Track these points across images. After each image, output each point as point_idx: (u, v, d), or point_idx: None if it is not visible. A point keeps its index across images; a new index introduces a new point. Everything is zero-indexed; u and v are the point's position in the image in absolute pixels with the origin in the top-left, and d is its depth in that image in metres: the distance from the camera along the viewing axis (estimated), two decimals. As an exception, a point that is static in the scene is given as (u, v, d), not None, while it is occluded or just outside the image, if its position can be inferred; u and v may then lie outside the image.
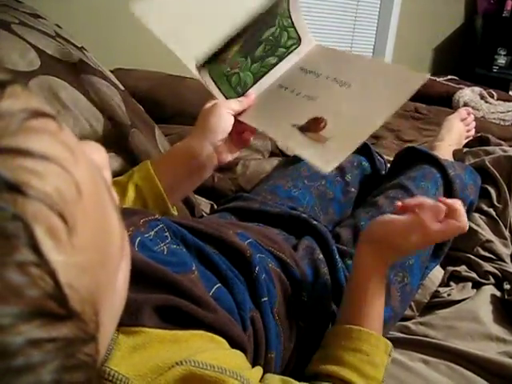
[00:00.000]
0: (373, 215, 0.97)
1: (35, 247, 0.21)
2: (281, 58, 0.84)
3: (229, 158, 0.83)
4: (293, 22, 0.82)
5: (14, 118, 0.22)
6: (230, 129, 0.79)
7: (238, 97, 0.83)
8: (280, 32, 0.81)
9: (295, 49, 0.84)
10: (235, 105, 0.80)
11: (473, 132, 1.54)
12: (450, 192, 1.06)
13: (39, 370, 0.21)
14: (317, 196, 1.08)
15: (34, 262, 0.21)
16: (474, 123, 1.54)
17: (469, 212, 1.14)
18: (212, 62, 0.80)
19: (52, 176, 0.22)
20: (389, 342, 0.66)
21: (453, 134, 1.45)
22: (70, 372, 0.22)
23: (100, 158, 0.31)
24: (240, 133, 0.82)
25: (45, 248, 0.21)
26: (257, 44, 0.81)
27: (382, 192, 1.06)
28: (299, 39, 0.84)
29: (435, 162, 1.11)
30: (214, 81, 0.82)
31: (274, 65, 0.84)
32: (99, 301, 0.26)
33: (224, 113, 0.79)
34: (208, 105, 0.82)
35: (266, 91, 0.83)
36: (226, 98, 0.83)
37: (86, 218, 0.24)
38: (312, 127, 0.73)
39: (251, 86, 0.84)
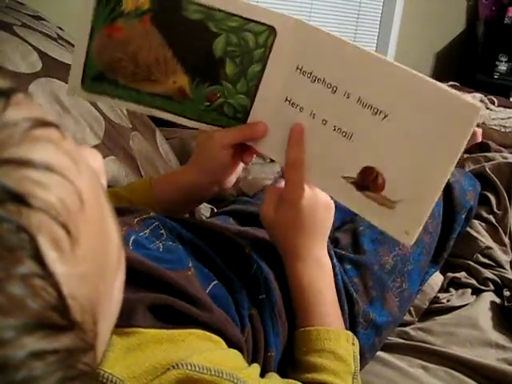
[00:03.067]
0: None
1: (39, 259, 0.21)
2: (264, 61, 0.65)
3: (232, 182, 0.77)
4: (244, 17, 0.61)
5: (17, 127, 0.22)
6: (227, 164, 0.71)
7: (243, 122, 0.69)
8: (238, 35, 0.63)
9: (273, 41, 0.63)
10: (236, 135, 0.68)
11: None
12: (449, 198, 1.06)
13: (41, 382, 0.21)
14: None
15: (38, 273, 0.21)
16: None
17: (468, 218, 1.14)
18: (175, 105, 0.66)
19: (55, 186, 0.22)
20: (349, 332, 0.66)
21: None
22: (70, 383, 0.22)
23: (97, 164, 0.31)
24: (245, 154, 0.73)
25: (49, 259, 0.21)
26: (215, 65, 0.64)
27: None
28: (272, 28, 0.63)
29: None
30: (201, 122, 0.69)
31: (261, 71, 0.65)
32: (98, 310, 0.26)
33: (217, 152, 0.69)
34: (202, 136, 0.73)
35: (274, 110, 0.67)
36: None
37: (87, 227, 0.24)
38: (369, 184, 0.60)
39: (251, 106, 0.68)
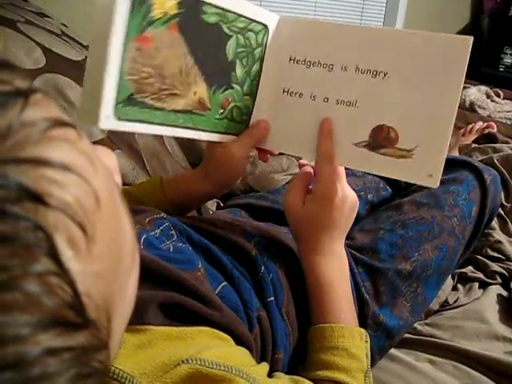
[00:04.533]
0: (395, 221, 0.92)
1: (56, 257, 0.21)
2: (262, 59, 0.67)
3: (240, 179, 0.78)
4: (249, 18, 0.63)
5: (35, 127, 0.22)
6: (243, 172, 0.74)
7: (247, 125, 0.70)
8: (244, 36, 0.63)
9: (267, 39, 0.66)
10: (249, 141, 0.69)
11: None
12: (484, 200, 0.99)
13: (56, 379, 0.21)
14: None
15: (54, 271, 0.21)
16: (453, 140, 1.49)
17: (490, 220, 1.08)
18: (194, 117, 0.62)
19: (72, 186, 0.22)
20: (362, 330, 0.65)
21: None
22: (84, 380, 0.22)
23: (111, 163, 0.31)
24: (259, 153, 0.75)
25: (65, 258, 0.21)
26: (228, 68, 0.64)
27: (408, 195, 1.00)
28: (265, 27, 0.65)
29: (468, 166, 1.03)
30: (215, 133, 0.66)
31: (260, 69, 0.67)
32: (112, 308, 0.26)
33: (238, 165, 0.71)
34: (217, 150, 0.71)
35: (274, 104, 0.68)
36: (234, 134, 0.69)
37: (103, 226, 0.24)
38: (383, 141, 0.61)
39: (253, 106, 0.69)
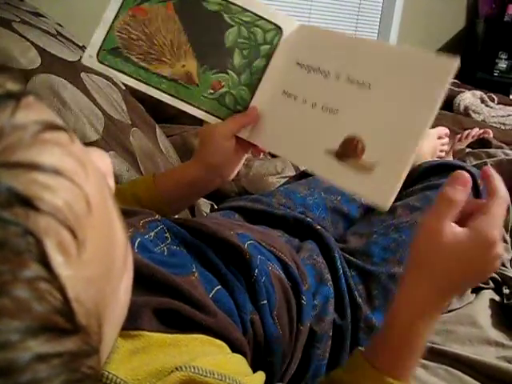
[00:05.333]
0: (388, 225, 0.91)
1: (45, 263, 0.21)
2: (269, 57, 0.71)
3: (234, 174, 0.79)
4: (257, 14, 0.69)
5: (26, 130, 0.22)
6: (231, 156, 0.74)
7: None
8: (249, 29, 0.69)
9: (279, 40, 0.71)
10: (233, 125, 0.71)
11: (444, 154, 1.50)
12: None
13: None
14: (330, 210, 1.03)
15: (44, 277, 0.21)
16: (447, 146, 1.49)
17: None
18: (180, 89, 0.71)
19: (63, 191, 0.22)
20: None
21: (425, 147, 1.36)
22: None
23: (104, 165, 0.31)
24: (247, 147, 0.76)
25: (55, 263, 0.21)
26: (224, 54, 0.70)
27: (401, 199, 0.98)
28: (279, 28, 0.70)
29: (462, 170, 1.01)
30: (200, 109, 0.72)
31: (265, 66, 0.71)
32: (103, 313, 0.26)
33: (220, 144, 0.72)
34: (204, 130, 0.75)
35: (272, 102, 0.71)
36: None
37: (94, 231, 0.24)
38: (350, 152, 0.61)
39: (251, 99, 0.72)
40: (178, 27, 0.68)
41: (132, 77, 0.69)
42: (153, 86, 0.70)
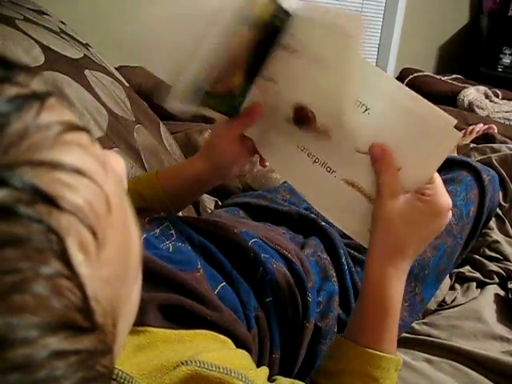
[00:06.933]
0: None
1: (66, 260, 0.21)
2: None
3: (236, 174, 0.79)
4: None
5: (50, 130, 0.22)
6: (237, 157, 0.73)
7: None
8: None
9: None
10: (238, 126, 0.69)
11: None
12: (483, 200, 0.98)
13: (62, 382, 0.21)
14: None
15: (65, 274, 0.21)
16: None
17: (488, 220, 1.07)
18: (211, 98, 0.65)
19: (84, 189, 0.23)
20: (400, 359, 0.59)
21: None
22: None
23: (119, 167, 0.31)
24: (253, 148, 0.74)
25: (75, 261, 0.22)
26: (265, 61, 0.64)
27: None
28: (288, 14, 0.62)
29: (467, 166, 1.02)
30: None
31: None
32: (118, 313, 0.26)
33: (229, 146, 0.71)
34: (215, 129, 0.74)
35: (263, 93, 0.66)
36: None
37: (113, 231, 0.25)
38: (305, 120, 0.64)
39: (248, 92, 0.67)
40: (249, 45, 0.61)
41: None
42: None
